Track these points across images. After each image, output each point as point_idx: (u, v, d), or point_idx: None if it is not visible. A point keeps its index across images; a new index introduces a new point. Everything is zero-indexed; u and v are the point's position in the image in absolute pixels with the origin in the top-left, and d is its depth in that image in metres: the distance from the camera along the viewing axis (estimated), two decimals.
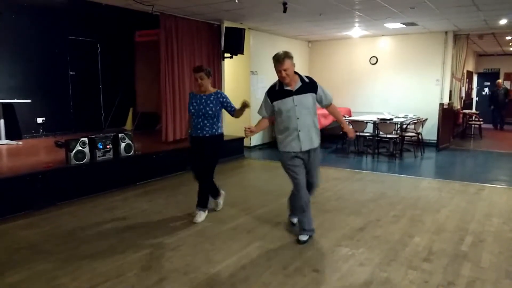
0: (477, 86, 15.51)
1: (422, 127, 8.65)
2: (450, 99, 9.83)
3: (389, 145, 8.60)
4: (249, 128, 3.47)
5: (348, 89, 10.85)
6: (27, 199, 4.60)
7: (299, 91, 3.46)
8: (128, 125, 9.30)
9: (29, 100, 7.42)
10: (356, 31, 9.51)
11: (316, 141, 3.59)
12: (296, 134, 3.48)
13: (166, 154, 6.43)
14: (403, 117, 8.71)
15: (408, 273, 3.09)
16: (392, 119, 8.22)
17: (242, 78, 9.16)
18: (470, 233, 3.92)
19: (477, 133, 11.41)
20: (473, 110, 13.34)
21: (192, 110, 4.16)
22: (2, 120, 7.06)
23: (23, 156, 6.04)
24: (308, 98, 3.47)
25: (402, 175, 6.55)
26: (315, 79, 3.63)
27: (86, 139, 5.34)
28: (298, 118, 3.45)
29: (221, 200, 4.63)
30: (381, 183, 6.02)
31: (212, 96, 4.14)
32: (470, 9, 6.84)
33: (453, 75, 9.85)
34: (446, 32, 9.36)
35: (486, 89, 15.37)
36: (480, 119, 11.45)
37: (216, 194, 4.56)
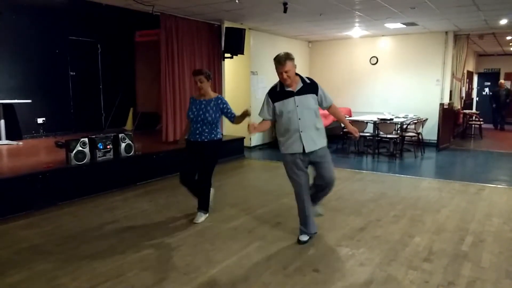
0: (478, 86, 15.49)
1: (422, 127, 8.65)
2: (450, 99, 9.82)
3: (389, 145, 8.60)
4: (253, 125, 3.40)
5: (349, 89, 10.85)
6: (28, 199, 4.60)
7: (300, 92, 3.45)
8: (129, 125, 9.30)
9: (29, 101, 7.43)
10: (356, 31, 9.51)
11: (319, 142, 3.51)
12: (298, 136, 3.43)
13: (166, 154, 6.43)
14: (403, 117, 8.71)
15: (408, 273, 3.09)
16: (392, 119, 8.22)
17: (242, 79, 9.16)
18: (471, 233, 3.92)
19: (477, 133, 11.41)
20: (474, 110, 13.33)
21: (191, 116, 4.13)
22: (3, 121, 7.07)
23: (24, 156, 6.05)
24: (309, 99, 3.45)
25: (402, 175, 6.55)
26: (316, 79, 3.62)
27: (86, 139, 5.34)
28: (299, 119, 3.42)
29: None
30: (381, 183, 6.01)
31: (212, 102, 4.12)
32: (471, 9, 6.84)
33: (453, 75, 9.85)
34: (446, 32, 9.36)
35: (487, 89, 15.36)
36: (480, 119, 11.45)
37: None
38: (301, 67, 10.44)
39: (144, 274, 3.08)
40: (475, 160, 8.32)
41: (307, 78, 3.57)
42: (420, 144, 8.61)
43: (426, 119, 8.90)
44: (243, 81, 9.15)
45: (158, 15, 6.90)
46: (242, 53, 8.04)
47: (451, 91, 9.92)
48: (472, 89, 14.79)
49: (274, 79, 3.58)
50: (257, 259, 3.35)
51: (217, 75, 8.15)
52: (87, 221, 4.30)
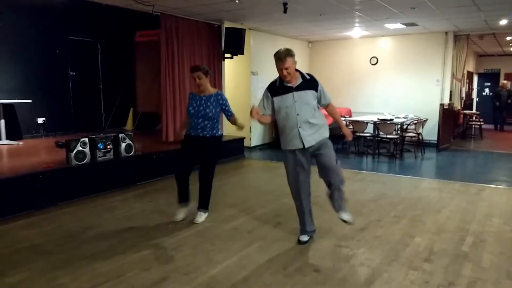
0: (478, 86, 15.49)
1: (422, 128, 8.65)
2: (450, 99, 9.82)
3: (389, 145, 8.60)
4: (256, 109, 3.32)
5: (349, 89, 10.85)
6: (28, 199, 4.60)
7: (300, 88, 3.43)
8: (129, 125, 9.30)
9: (29, 100, 7.42)
10: (357, 31, 9.51)
11: (318, 135, 3.44)
12: (297, 131, 3.41)
13: (166, 154, 6.42)
14: (403, 118, 8.71)
15: (409, 273, 3.09)
16: (392, 119, 8.22)
17: (243, 79, 9.16)
18: (471, 234, 3.92)
19: (478, 133, 11.41)
20: (474, 111, 13.33)
21: (192, 111, 4.11)
22: (3, 121, 7.06)
23: (24, 156, 6.04)
24: (308, 95, 3.44)
25: (403, 176, 6.55)
26: None
27: (86, 139, 5.34)
28: (298, 114, 3.40)
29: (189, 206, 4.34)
30: (381, 184, 6.01)
31: (212, 98, 4.11)
32: (471, 9, 6.84)
33: (453, 76, 9.85)
34: (446, 33, 9.36)
35: (487, 90, 15.36)
36: (481, 120, 11.45)
37: (187, 199, 4.31)
38: (301, 67, 10.29)
39: (144, 274, 3.07)
40: (475, 160, 8.32)
41: (307, 74, 3.55)
42: (420, 144, 8.60)
43: (426, 120, 8.90)
44: (243, 81, 9.15)
45: (158, 15, 6.90)
46: (242, 53, 8.04)
47: (451, 92, 9.92)
48: (472, 89, 14.78)
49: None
50: (257, 259, 3.35)
51: (217, 75, 8.14)
52: (87, 221, 4.30)
